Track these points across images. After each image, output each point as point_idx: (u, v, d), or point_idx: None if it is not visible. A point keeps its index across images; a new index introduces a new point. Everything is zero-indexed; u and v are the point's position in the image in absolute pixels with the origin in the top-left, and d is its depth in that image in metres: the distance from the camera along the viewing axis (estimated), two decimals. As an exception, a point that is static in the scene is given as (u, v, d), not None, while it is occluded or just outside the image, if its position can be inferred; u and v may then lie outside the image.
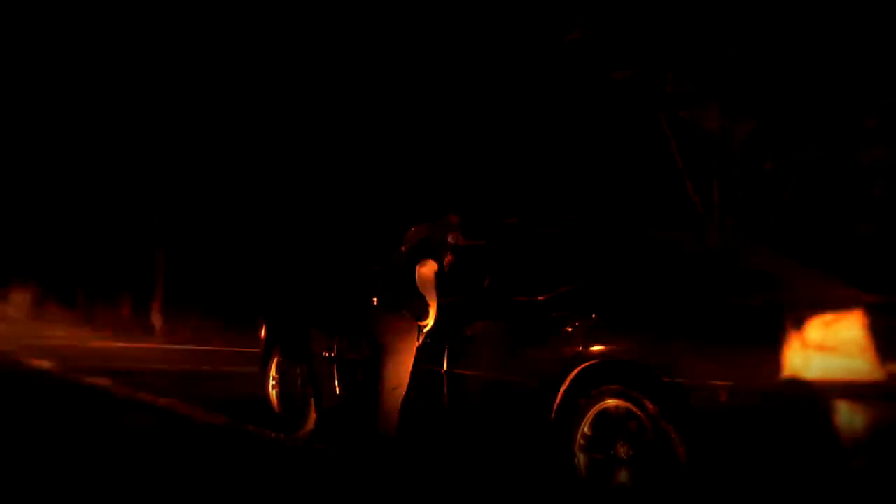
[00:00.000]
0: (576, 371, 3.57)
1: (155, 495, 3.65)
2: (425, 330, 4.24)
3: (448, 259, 4.33)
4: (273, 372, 5.45)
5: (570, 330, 3.66)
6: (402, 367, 4.21)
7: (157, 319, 16.11)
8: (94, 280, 17.18)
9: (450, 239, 4.38)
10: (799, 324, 2.99)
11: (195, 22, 15.05)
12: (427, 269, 4.20)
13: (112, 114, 16.12)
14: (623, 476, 3.37)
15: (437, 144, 15.55)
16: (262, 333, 5.62)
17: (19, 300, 16.57)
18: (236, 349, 11.47)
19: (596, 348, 3.54)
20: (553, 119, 13.92)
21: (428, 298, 4.20)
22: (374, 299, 4.33)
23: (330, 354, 4.93)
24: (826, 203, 8.74)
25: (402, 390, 4.22)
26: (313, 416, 5.10)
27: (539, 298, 3.90)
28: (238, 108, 15.89)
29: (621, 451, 3.39)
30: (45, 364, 8.43)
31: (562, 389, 3.61)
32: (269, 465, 4.38)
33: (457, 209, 4.51)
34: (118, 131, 16.32)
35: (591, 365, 3.53)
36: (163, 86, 15.76)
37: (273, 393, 5.44)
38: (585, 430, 3.51)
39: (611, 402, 3.43)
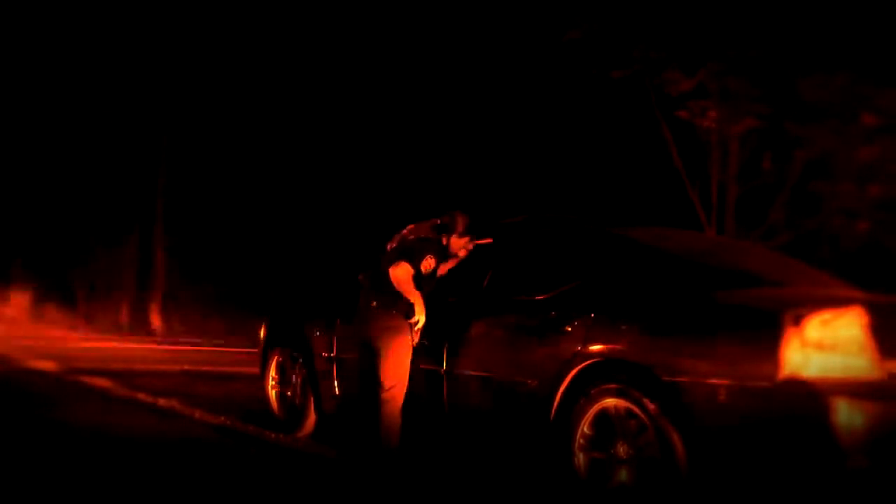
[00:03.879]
0: (575, 370, 3.57)
1: (155, 496, 3.65)
2: (417, 328, 4.23)
3: (429, 262, 4.29)
4: (273, 372, 5.46)
5: (569, 329, 3.66)
6: (397, 366, 4.21)
7: (156, 319, 16.13)
8: (93, 280, 17.19)
9: (443, 240, 4.36)
10: (798, 322, 3.00)
11: (199, 18, 15.05)
12: (400, 271, 4.18)
13: (113, 114, 16.11)
14: (623, 475, 3.37)
15: (436, 145, 15.56)
16: (262, 333, 5.62)
17: (19, 300, 16.57)
18: (236, 349, 11.47)
19: (595, 347, 3.55)
20: (552, 119, 13.93)
21: (410, 298, 4.19)
22: (374, 302, 4.33)
23: (329, 354, 4.94)
24: (824, 201, 8.74)
25: (401, 389, 4.21)
26: (313, 416, 5.11)
27: (538, 298, 3.91)
28: (238, 109, 15.89)
29: (621, 450, 3.39)
30: (44, 365, 8.43)
31: (561, 389, 3.61)
32: (268, 466, 4.38)
33: (464, 209, 4.49)
34: (119, 132, 16.31)
35: (591, 364, 3.54)
36: (164, 85, 15.76)
37: (273, 393, 5.45)
38: (585, 429, 3.51)
39: (610, 402, 3.44)
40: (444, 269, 4.44)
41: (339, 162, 16.69)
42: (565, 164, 13.85)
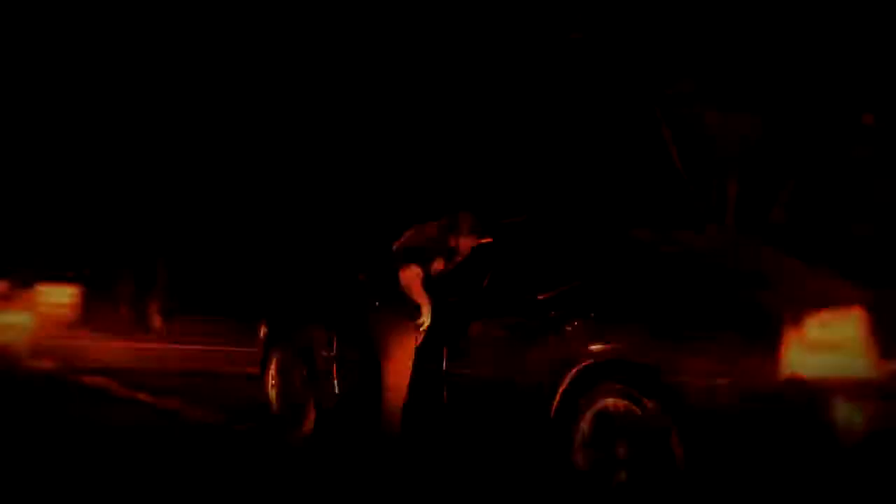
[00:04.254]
0: (575, 370, 3.57)
1: (155, 495, 3.65)
2: (422, 329, 4.23)
3: (439, 264, 4.29)
4: (273, 372, 5.45)
5: (569, 329, 3.66)
6: (400, 366, 4.21)
7: (156, 319, 16.13)
8: (93, 280, 17.19)
9: (451, 242, 4.35)
10: (797, 322, 3.00)
11: (196, 22, 15.06)
12: (409, 273, 4.19)
13: (112, 116, 16.13)
14: (622, 475, 3.37)
15: (438, 144, 15.56)
16: (262, 333, 5.62)
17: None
18: (236, 349, 11.47)
19: (595, 347, 3.55)
20: (553, 118, 13.92)
21: (417, 300, 4.19)
22: (377, 302, 4.33)
23: (329, 354, 4.93)
24: (825, 201, 8.75)
25: (401, 389, 4.21)
26: (313, 416, 5.10)
27: (538, 297, 3.91)
28: (238, 107, 15.90)
29: (620, 449, 3.39)
30: (45, 364, 8.44)
31: (561, 388, 3.61)
32: (268, 465, 4.38)
33: (468, 208, 4.46)
34: (119, 133, 16.33)
35: (591, 364, 3.54)
36: (163, 88, 15.77)
37: (272, 393, 5.44)
38: (585, 428, 3.51)
39: (610, 401, 3.43)
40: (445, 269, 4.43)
41: (339, 162, 16.69)
42: (566, 164, 13.84)
